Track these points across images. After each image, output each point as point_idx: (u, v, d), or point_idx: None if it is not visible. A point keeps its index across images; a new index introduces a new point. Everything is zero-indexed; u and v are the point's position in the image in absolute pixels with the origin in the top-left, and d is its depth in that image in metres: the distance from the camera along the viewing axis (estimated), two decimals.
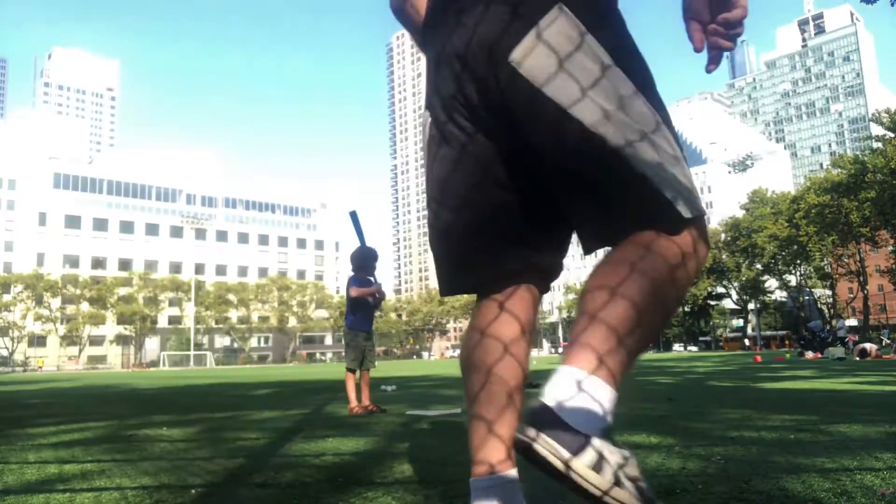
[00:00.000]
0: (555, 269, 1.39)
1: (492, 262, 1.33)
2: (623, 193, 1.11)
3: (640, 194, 1.08)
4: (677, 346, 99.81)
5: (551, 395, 0.97)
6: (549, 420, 0.94)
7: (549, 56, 1.12)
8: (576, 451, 0.92)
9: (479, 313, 1.39)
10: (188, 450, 3.43)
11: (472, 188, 1.29)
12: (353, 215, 5.82)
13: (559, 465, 0.92)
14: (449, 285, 1.44)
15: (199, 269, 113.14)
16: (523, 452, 0.97)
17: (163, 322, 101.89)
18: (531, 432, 0.94)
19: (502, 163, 1.25)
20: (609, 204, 1.14)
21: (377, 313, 6.12)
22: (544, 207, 1.27)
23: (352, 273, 5.96)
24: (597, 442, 0.94)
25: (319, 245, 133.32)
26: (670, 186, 1.08)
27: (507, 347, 1.29)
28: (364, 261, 5.73)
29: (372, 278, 5.80)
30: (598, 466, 0.93)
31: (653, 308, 1.05)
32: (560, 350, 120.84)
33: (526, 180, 1.25)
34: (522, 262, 1.33)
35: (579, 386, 0.97)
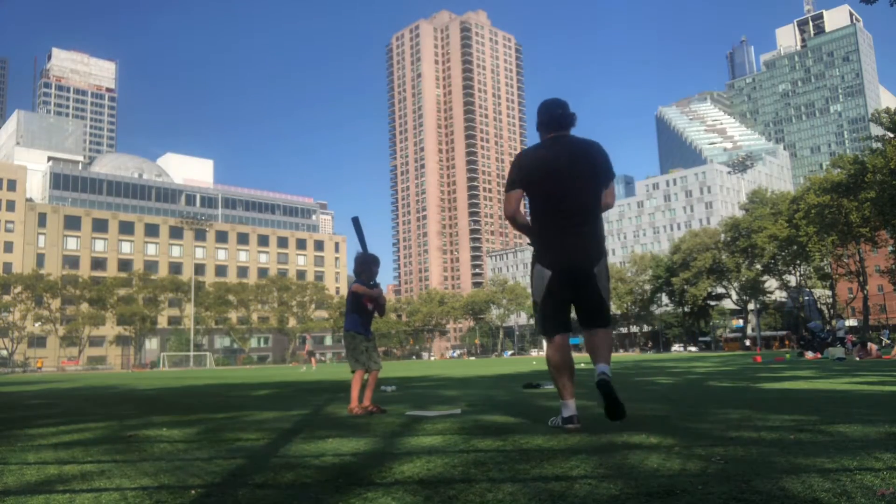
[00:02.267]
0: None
1: (568, 322, 3.87)
2: (602, 313, 3.85)
3: (606, 315, 3.87)
4: (677, 347, 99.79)
5: (605, 370, 3.68)
6: (608, 376, 3.67)
7: (602, 273, 3.84)
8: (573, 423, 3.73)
9: (563, 341, 3.86)
10: (188, 450, 3.43)
11: (567, 299, 3.83)
12: (356, 221, 5.83)
13: (610, 385, 3.66)
14: (554, 327, 3.85)
15: (199, 269, 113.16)
16: (604, 384, 3.65)
17: (162, 323, 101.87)
18: (606, 377, 3.67)
19: (574, 293, 3.81)
20: (595, 316, 3.85)
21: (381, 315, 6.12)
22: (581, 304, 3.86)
23: (354, 278, 5.98)
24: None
25: (319, 245, 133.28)
26: (609, 313, 3.91)
27: (570, 355, 3.90)
28: (366, 266, 5.71)
29: (373, 283, 5.77)
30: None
31: (610, 349, 3.88)
32: None
33: (577, 293, 3.83)
34: (569, 323, 3.90)
35: (609, 369, 3.71)
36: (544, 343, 4.05)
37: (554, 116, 3.91)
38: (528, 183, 3.83)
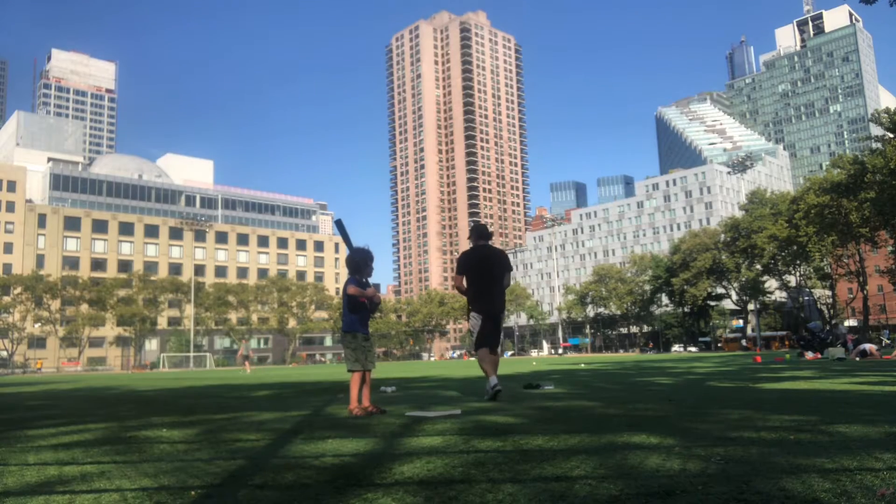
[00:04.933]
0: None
1: (490, 341, 7.01)
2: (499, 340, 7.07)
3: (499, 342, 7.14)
4: (677, 347, 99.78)
5: (495, 380, 6.74)
6: (499, 386, 6.76)
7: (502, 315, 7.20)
8: (499, 388, 6.71)
9: (488, 350, 6.97)
10: (188, 451, 3.43)
11: (488, 330, 7.00)
12: (339, 223, 5.87)
13: (501, 390, 6.74)
14: (483, 344, 6.98)
15: (199, 270, 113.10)
16: (499, 392, 6.73)
17: (162, 324, 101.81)
18: (498, 386, 6.75)
19: (492, 328, 7.01)
20: (498, 341, 7.11)
21: (377, 314, 6.16)
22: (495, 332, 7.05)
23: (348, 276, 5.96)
24: (499, 386, 6.76)
25: (319, 246, 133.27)
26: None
27: (493, 357, 7.01)
28: (358, 264, 5.68)
29: (367, 281, 5.74)
30: (500, 392, 6.76)
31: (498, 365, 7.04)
32: (560, 351, 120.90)
33: (495, 326, 7.05)
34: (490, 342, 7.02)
35: (497, 380, 6.76)
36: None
37: (478, 233, 7.22)
38: (469, 270, 7.05)
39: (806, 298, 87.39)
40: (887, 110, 54.29)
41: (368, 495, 2.19)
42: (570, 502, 2.01)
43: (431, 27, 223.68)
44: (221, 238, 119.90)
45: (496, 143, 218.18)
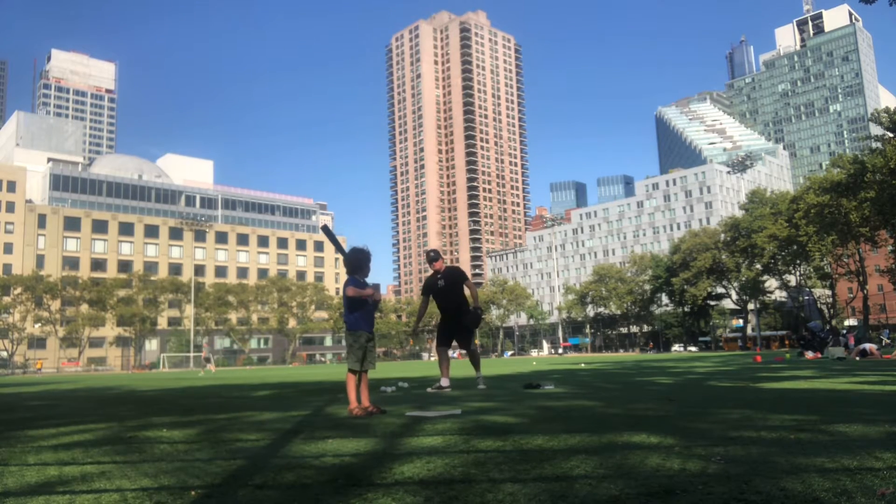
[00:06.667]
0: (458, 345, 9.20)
1: (450, 340, 9.17)
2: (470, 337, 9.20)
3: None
4: (677, 347, 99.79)
5: (481, 378, 9.55)
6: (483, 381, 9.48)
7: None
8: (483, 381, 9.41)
9: (445, 350, 9.24)
10: (188, 451, 3.43)
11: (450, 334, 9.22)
12: (325, 229, 5.89)
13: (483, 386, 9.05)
14: (441, 341, 9.20)
15: (199, 270, 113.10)
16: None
17: (162, 324, 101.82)
18: (483, 384, 9.34)
19: (454, 323, 9.12)
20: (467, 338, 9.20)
21: (376, 314, 6.09)
22: (454, 333, 9.09)
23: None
24: (483, 382, 9.44)
25: (319, 246, 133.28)
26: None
27: (449, 357, 9.26)
28: (357, 264, 5.67)
29: (366, 281, 5.73)
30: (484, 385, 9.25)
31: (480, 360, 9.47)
32: (560, 351, 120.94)
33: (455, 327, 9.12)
34: (452, 341, 9.12)
35: (482, 377, 9.56)
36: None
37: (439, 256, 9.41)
38: (428, 290, 9.21)
39: (806, 298, 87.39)
40: (887, 110, 54.30)
41: (368, 495, 2.19)
42: (570, 502, 2.01)
43: (431, 27, 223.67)
44: (221, 238, 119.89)
45: (496, 143, 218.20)
